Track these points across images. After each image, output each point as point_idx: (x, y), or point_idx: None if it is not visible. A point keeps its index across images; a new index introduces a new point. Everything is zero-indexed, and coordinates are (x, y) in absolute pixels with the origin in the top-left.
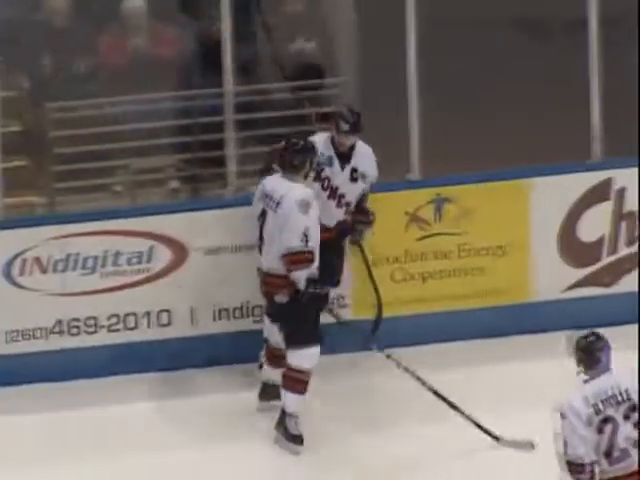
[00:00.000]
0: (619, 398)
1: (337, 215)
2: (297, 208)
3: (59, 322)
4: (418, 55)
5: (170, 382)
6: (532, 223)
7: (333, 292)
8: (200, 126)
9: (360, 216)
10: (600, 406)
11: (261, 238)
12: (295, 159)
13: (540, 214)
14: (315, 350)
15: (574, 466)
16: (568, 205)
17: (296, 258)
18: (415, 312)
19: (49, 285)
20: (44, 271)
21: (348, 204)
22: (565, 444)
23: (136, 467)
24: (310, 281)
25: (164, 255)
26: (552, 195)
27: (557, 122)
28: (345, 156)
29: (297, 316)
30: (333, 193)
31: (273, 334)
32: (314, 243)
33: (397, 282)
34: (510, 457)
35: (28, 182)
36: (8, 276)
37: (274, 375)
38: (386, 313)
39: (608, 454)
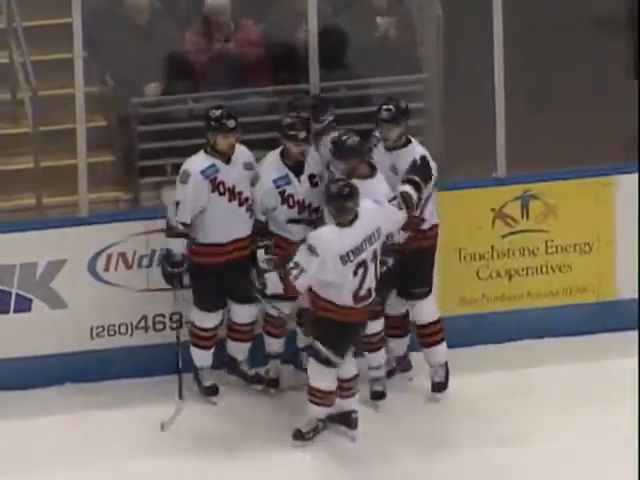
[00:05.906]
0: (373, 238)
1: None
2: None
3: (144, 318)
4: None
5: None
6: (618, 220)
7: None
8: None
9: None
10: (355, 251)
11: None
12: None
13: (626, 211)
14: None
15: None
16: None
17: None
18: (500, 309)
19: (134, 280)
20: (129, 266)
21: (317, 210)
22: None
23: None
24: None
25: None
26: (638, 192)
27: None
28: (297, 167)
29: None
30: (301, 207)
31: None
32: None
33: (483, 279)
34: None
35: (113, 178)
36: (93, 271)
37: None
38: (472, 310)
39: (355, 295)
